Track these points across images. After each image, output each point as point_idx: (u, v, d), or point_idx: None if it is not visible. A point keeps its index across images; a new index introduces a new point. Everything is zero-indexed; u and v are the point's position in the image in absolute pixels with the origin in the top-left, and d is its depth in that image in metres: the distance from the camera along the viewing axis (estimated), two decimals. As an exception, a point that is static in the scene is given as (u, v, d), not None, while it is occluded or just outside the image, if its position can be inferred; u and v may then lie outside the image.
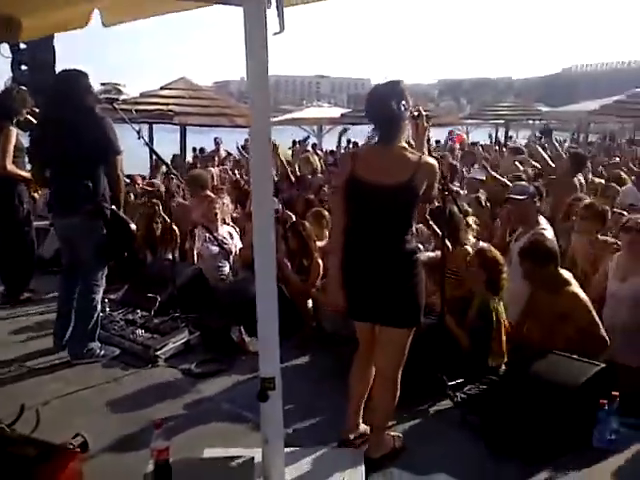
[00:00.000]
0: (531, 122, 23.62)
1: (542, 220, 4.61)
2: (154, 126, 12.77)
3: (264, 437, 2.58)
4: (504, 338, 3.89)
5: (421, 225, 4.70)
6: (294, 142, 13.80)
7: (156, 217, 6.14)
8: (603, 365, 3.22)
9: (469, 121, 22.27)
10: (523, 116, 20.84)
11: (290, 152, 16.74)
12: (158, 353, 4.32)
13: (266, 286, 2.48)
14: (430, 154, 3.14)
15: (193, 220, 6.02)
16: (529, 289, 4.02)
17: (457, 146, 16.97)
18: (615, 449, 3.11)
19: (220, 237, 5.76)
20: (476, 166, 8.74)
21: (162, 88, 12.40)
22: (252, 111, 2.37)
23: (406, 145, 2.88)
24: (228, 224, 6.12)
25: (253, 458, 2.65)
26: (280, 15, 2.36)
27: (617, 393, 3.12)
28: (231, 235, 5.93)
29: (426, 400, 3.65)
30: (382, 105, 2.81)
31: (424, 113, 3.11)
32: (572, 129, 26.11)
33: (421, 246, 4.70)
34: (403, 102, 2.79)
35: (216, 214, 5.79)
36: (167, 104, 11.36)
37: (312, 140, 18.00)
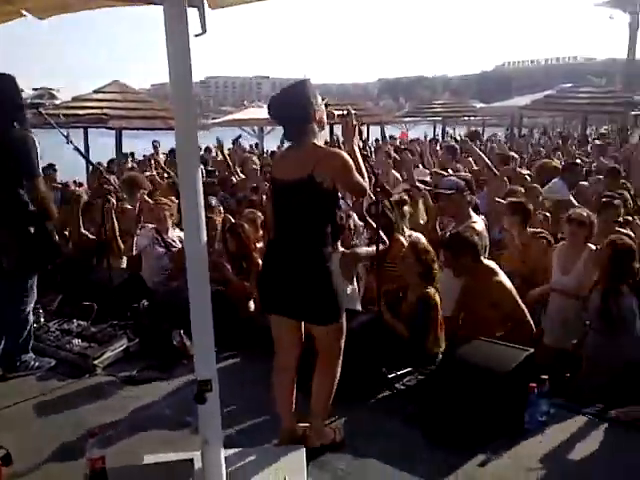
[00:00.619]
0: (466, 119, 24.28)
1: (473, 213, 4.76)
2: (91, 130, 12.49)
3: (203, 439, 2.57)
4: (441, 327, 4.02)
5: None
6: (234, 143, 13.68)
7: (106, 224, 5.95)
8: (532, 350, 3.36)
9: (407, 119, 22.69)
10: (458, 113, 21.38)
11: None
12: (96, 362, 4.22)
13: (199, 289, 2.48)
14: (361, 153, 3.19)
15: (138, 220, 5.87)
16: (461, 282, 4.15)
17: (399, 141, 17.30)
18: (546, 430, 3.24)
19: (169, 240, 5.67)
20: (420, 168, 8.82)
21: (95, 92, 12.15)
22: (176, 114, 2.34)
23: (318, 143, 2.90)
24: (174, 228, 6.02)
25: (192, 460, 2.64)
26: (202, 16, 2.36)
27: (547, 376, 3.26)
28: (181, 239, 5.84)
29: (366, 392, 3.70)
30: (286, 106, 2.87)
31: (353, 112, 3.16)
32: (507, 124, 27.00)
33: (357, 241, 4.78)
34: (309, 101, 2.84)
35: (165, 216, 5.70)
36: (101, 108, 11.16)
37: (250, 140, 17.96)
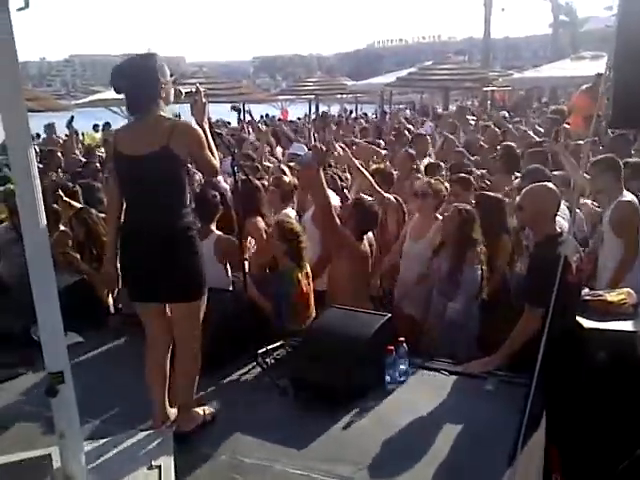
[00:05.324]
0: (339, 96, 24.73)
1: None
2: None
3: (59, 433, 2.49)
4: (311, 303, 4.13)
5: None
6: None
7: None
8: (389, 315, 3.54)
9: (281, 97, 22.74)
10: (331, 91, 21.72)
11: (98, 136, 15.81)
12: (-53, 363, 3.92)
13: (41, 276, 2.38)
14: (211, 131, 3.15)
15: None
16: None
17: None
18: (405, 388, 3.43)
19: None
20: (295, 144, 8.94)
21: None
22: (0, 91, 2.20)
23: (164, 114, 2.86)
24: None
25: (50, 455, 2.54)
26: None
27: (402, 339, 3.45)
28: None
29: (236, 369, 3.72)
30: (134, 77, 2.79)
31: (202, 89, 3.13)
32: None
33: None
34: (157, 75, 2.80)
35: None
36: None
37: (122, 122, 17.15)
